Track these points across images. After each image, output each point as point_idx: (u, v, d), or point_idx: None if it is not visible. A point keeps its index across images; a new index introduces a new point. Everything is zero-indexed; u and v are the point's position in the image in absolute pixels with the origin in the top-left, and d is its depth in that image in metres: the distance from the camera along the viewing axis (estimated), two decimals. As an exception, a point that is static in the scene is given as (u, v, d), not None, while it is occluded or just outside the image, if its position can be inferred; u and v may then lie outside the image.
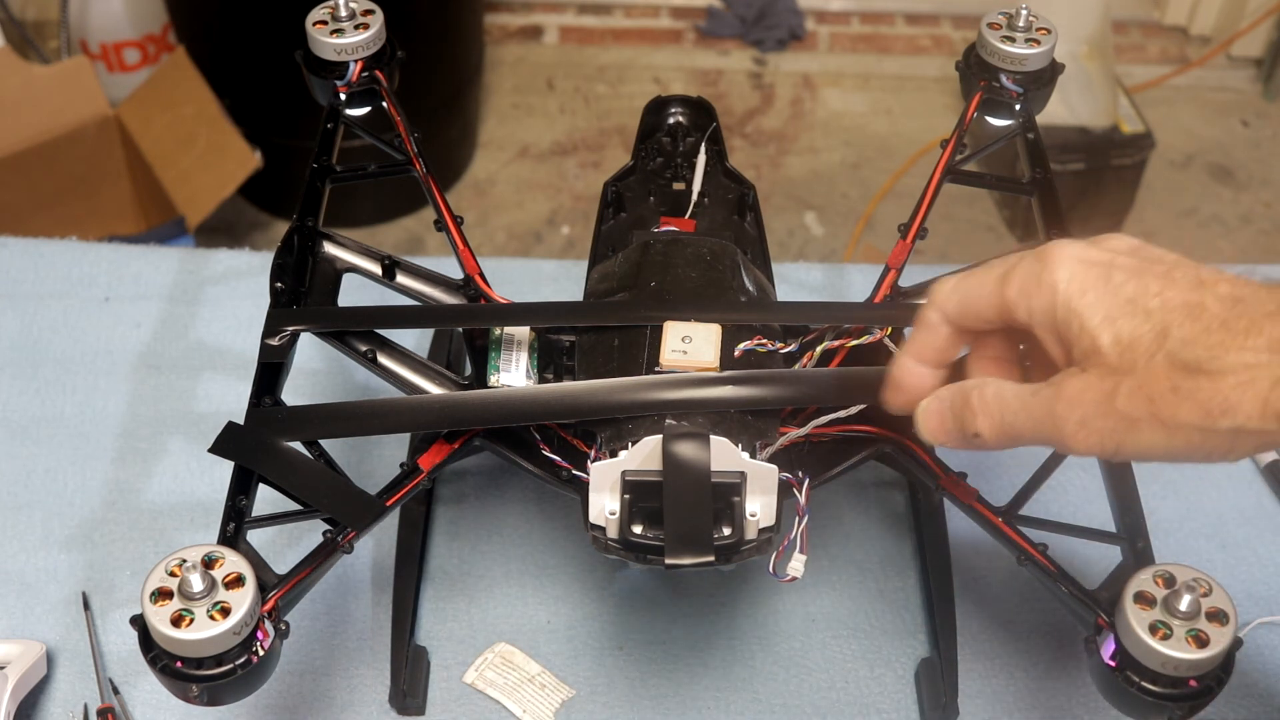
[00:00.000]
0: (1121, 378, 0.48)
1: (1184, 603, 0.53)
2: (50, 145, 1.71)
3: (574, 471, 0.64)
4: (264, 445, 0.61)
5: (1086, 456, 0.51)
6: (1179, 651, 0.52)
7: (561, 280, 0.98)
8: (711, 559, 0.55)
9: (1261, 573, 0.81)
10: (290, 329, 0.66)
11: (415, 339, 0.89)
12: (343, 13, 0.77)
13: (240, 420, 0.63)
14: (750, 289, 0.68)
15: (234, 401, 0.87)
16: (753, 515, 0.58)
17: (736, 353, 0.62)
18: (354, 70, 0.76)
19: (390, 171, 0.76)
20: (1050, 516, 0.64)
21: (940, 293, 0.55)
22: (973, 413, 0.53)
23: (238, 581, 0.53)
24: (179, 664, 0.53)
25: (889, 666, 0.76)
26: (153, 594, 0.52)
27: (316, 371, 0.90)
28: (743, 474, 0.58)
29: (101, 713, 0.72)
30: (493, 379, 0.66)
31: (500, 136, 2.30)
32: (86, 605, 0.77)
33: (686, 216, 0.74)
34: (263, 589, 0.55)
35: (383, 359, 0.68)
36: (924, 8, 2.57)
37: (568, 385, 0.63)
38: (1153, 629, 0.53)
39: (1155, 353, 0.48)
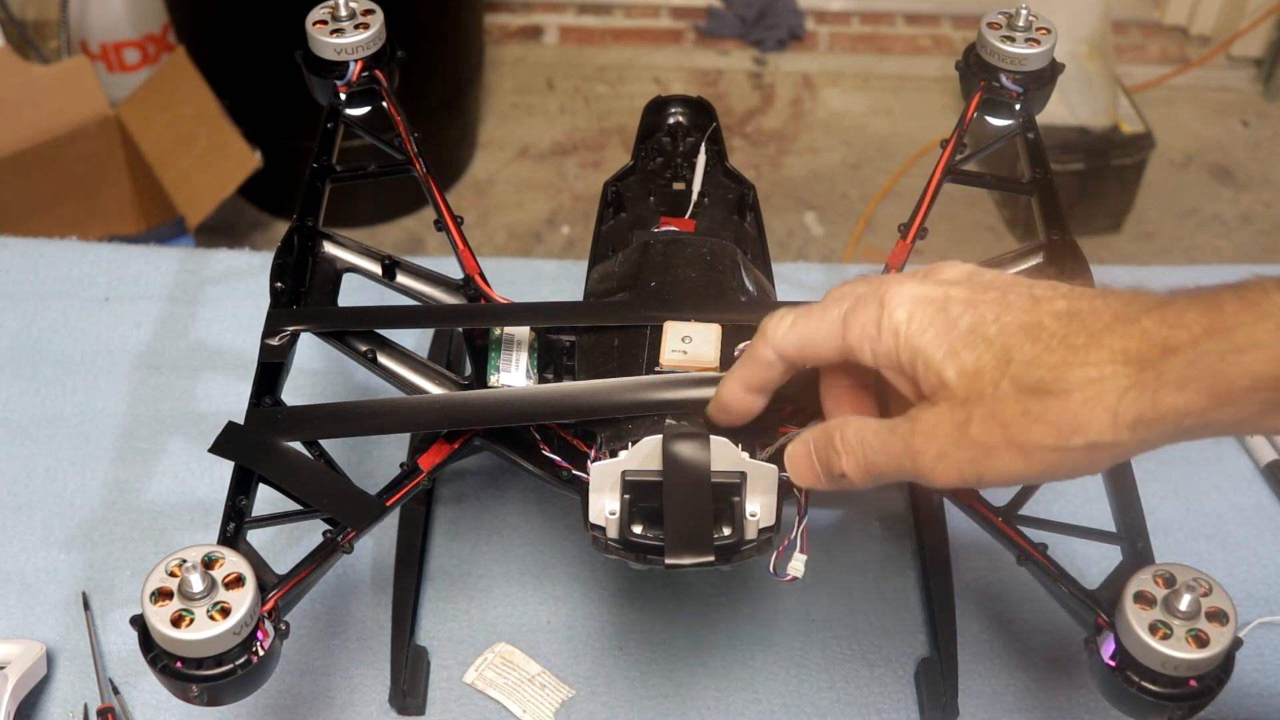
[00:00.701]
0: (972, 407, 0.48)
1: (1184, 603, 0.53)
2: (50, 145, 1.71)
3: (574, 471, 0.64)
4: (264, 445, 0.61)
5: (948, 488, 0.50)
6: (1179, 651, 0.52)
7: (561, 280, 0.98)
8: (711, 559, 0.55)
9: (1261, 573, 0.81)
10: (290, 329, 0.66)
11: (415, 339, 0.89)
12: (343, 12, 0.77)
13: (240, 420, 0.63)
14: (750, 289, 0.68)
15: (234, 401, 0.87)
16: (753, 515, 0.58)
17: (736, 353, 0.62)
18: (354, 70, 0.76)
19: (390, 171, 0.76)
20: (1050, 516, 0.64)
21: (775, 332, 0.54)
22: (837, 454, 0.53)
23: (238, 582, 0.53)
24: (179, 664, 0.53)
25: (889, 666, 0.76)
26: (153, 594, 0.52)
27: (316, 371, 0.90)
28: (743, 474, 0.58)
29: (101, 713, 0.72)
30: (493, 379, 0.66)
31: (500, 136, 2.30)
32: (86, 605, 0.77)
33: (686, 216, 0.74)
34: (263, 589, 0.55)
35: (383, 359, 0.68)
36: (924, 8, 2.57)
37: (568, 385, 0.63)
38: (1153, 629, 0.53)
39: (1000, 379, 0.47)
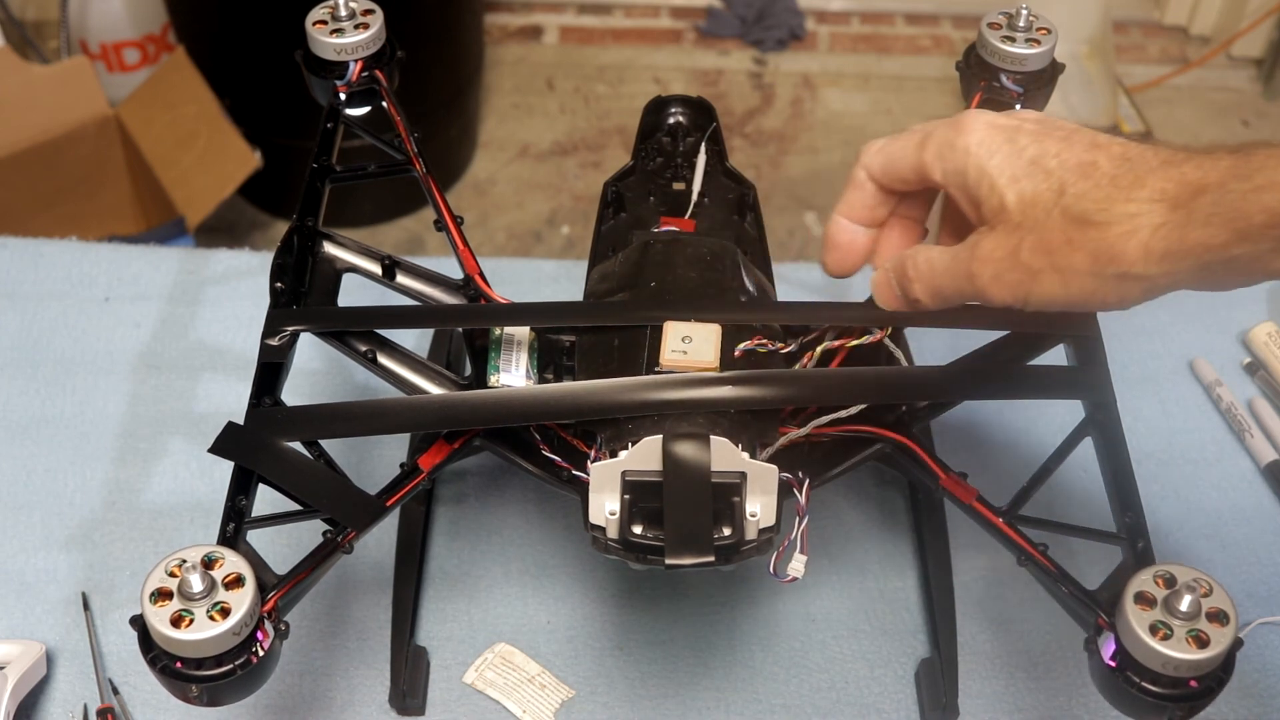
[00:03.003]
0: (1025, 233, 0.54)
1: (1184, 603, 0.53)
2: (50, 145, 1.70)
3: (574, 472, 0.64)
4: (264, 445, 0.61)
5: (1002, 306, 0.56)
6: (1179, 652, 0.52)
7: (561, 280, 0.98)
8: (711, 559, 0.55)
9: (1261, 573, 0.81)
10: (290, 329, 0.66)
11: (415, 339, 0.89)
12: (343, 12, 0.76)
13: (240, 420, 0.63)
14: (750, 289, 0.68)
15: (234, 401, 0.87)
16: (753, 515, 0.58)
17: (736, 353, 0.62)
18: (354, 70, 0.76)
19: (390, 171, 0.76)
20: (1050, 516, 0.64)
21: (867, 153, 0.60)
22: (909, 280, 0.60)
23: (237, 582, 0.53)
24: (179, 664, 0.53)
25: (889, 666, 0.76)
26: (152, 594, 0.52)
27: (316, 371, 0.90)
28: (743, 474, 0.58)
29: (101, 713, 0.72)
30: (493, 379, 0.66)
31: (500, 136, 2.30)
32: (86, 605, 0.77)
33: (686, 216, 0.74)
34: (263, 589, 0.55)
35: (383, 359, 0.68)
36: (924, 8, 2.57)
37: (568, 385, 0.63)
38: (1153, 629, 0.53)
39: (1052, 208, 0.52)
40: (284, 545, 0.70)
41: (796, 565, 0.60)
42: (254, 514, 0.60)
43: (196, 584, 0.52)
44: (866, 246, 0.63)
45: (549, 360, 0.66)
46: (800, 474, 0.61)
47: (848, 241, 0.63)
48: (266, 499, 0.60)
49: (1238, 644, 0.53)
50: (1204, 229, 0.49)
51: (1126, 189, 0.51)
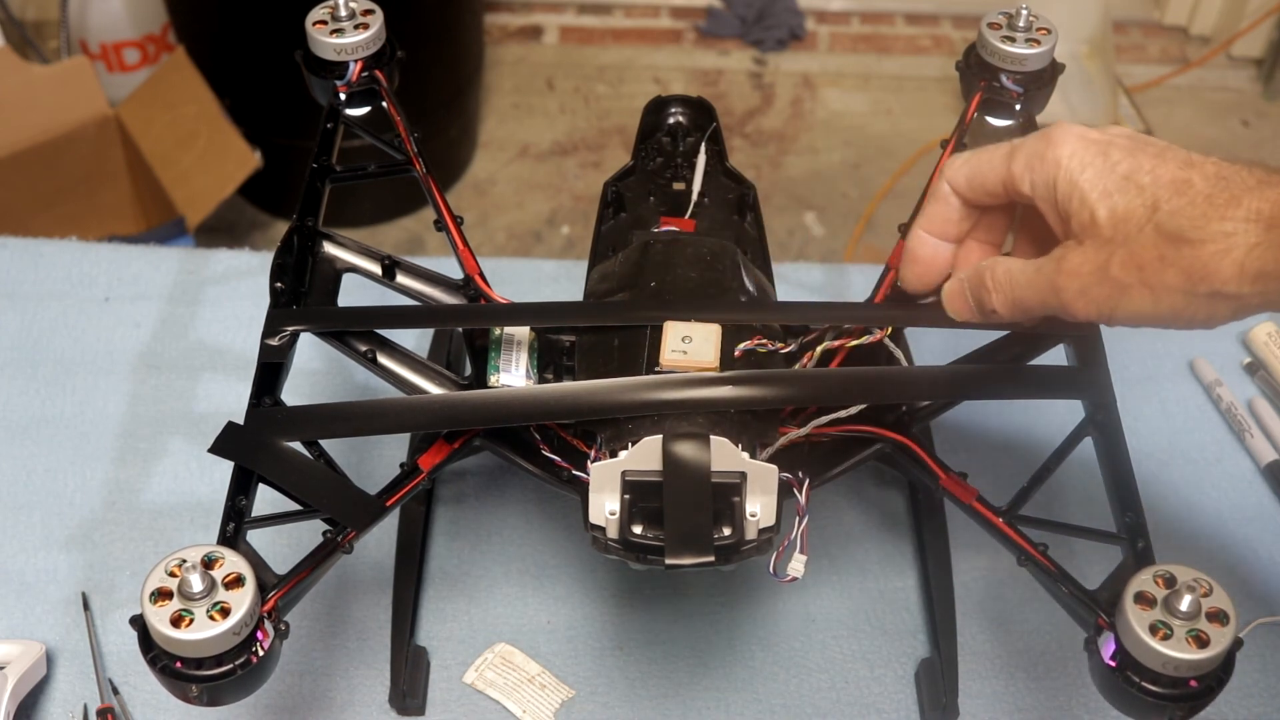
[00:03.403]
0: (1115, 248, 0.53)
1: (1184, 603, 0.53)
2: (50, 145, 1.71)
3: (574, 472, 0.64)
4: (264, 445, 0.61)
5: (1085, 321, 0.56)
6: (1179, 652, 0.52)
7: (561, 280, 0.98)
8: (711, 559, 0.55)
9: (1261, 573, 0.81)
10: (290, 329, 0.66)
11: (415, 339, 0.89)
12: (343, 13, 0.76)
13: (240, 420, 0.63)
14: (750, 289, 0.68)
15: (234, 401, 0.87)
16: (753, 515, 0.58)
17: (736, 353, 0.62)
18: (354, 70, 0.76)
19: (390, 171, 0.76)
20: (1050, 516, 0.64)
21: (951, 166, 0.60)
22: (988, 291, 0.59)
23: (237, 582, 0.53)
24: (179, 664, 0.53)
25: (889, 666, 0.76)
26: (152, 594, 0.52)
27: (316, 371, 0.90)
28: (743, 474, 0.58)
29: (101, 713, 0.72)
30: (493, 379, 0.66)
31: (500, 136, 2.30)
32: (86, 605, 0.77)
33: (686, 216, 0.74)
34: (263, 589, 0.55)
35: (383, 359, 0.68)
36: (924, 8, 2.57)
37: (568, 385, 0.63)
38: (1153, 629, 0.53)
39: (1145, 224, 0.52)
40: (284, 545, 0.71)
41: (796, 565, 0.60)
42: (254, 514, 0.60)
43: (196, 584, 0.52)
44: (948, 261, 0.62)
45: (549, 360, 0.66)
46: (800, 474, 0.62)
47: (929, 255, 0.62)
48: (266, 499, 0.60)
49: (1238, 644, 0.53)
50: None
51: (1222, 207, 0.51)
